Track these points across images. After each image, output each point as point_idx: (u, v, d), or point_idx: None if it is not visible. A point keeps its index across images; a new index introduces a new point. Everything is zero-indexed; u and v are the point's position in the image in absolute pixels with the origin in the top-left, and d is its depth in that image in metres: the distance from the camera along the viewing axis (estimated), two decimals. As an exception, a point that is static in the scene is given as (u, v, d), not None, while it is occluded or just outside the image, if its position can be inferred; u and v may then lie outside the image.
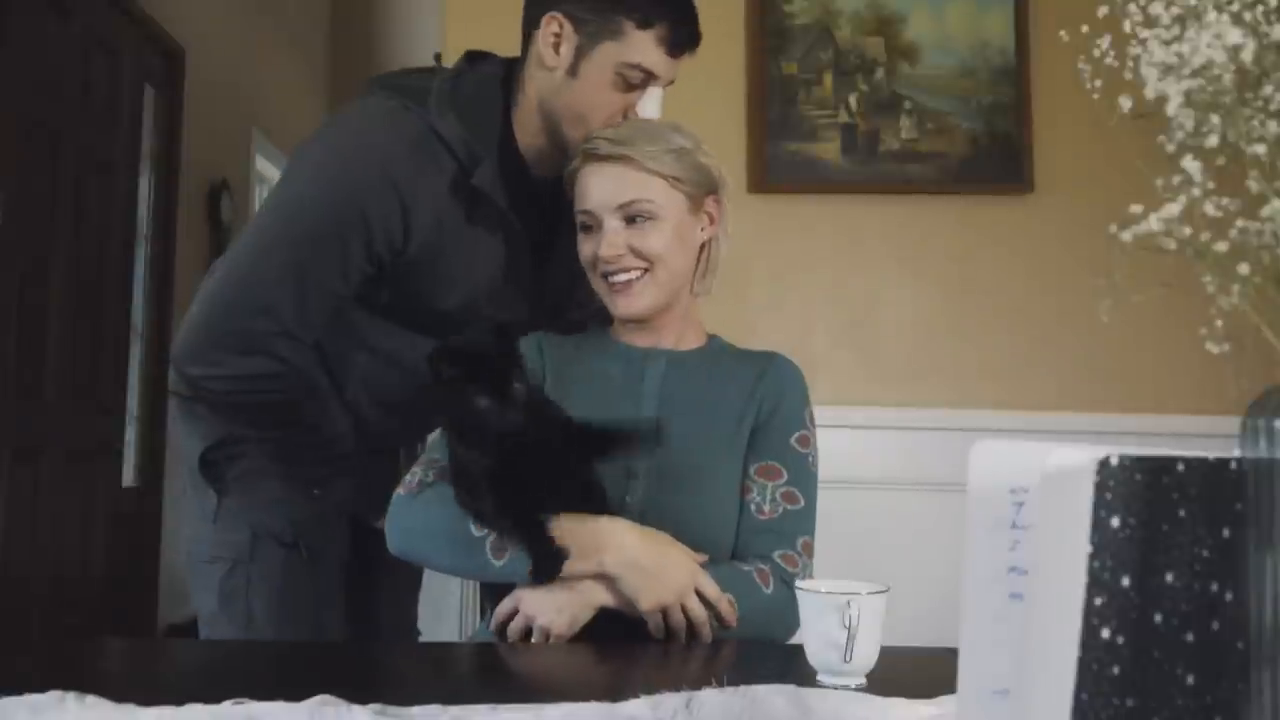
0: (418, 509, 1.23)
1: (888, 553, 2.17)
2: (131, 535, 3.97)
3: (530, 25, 1.40)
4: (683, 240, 1.35)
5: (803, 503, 1.31)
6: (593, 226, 1.34)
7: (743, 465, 1.33)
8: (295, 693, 0.81)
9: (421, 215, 1.37)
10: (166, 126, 4.33)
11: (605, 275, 1.34)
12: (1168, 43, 0.52)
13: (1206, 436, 2.09)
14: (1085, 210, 2.35)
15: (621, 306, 1.35)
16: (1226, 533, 0.46)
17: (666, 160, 1.32)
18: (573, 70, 1.37)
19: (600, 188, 1.33)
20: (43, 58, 3.31)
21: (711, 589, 1.20)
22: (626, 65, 1.36)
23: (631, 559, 1.18)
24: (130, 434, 4.09)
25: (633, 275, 1.33)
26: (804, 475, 1.34)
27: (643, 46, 1.36)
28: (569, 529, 1.19)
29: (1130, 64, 0.53)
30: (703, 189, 1.36)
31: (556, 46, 1.37)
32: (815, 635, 0.97)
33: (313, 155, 1.42)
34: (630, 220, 1.32)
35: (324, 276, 1.37)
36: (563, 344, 1.41)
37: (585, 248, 1.35)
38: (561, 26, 1.36)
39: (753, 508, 1.30)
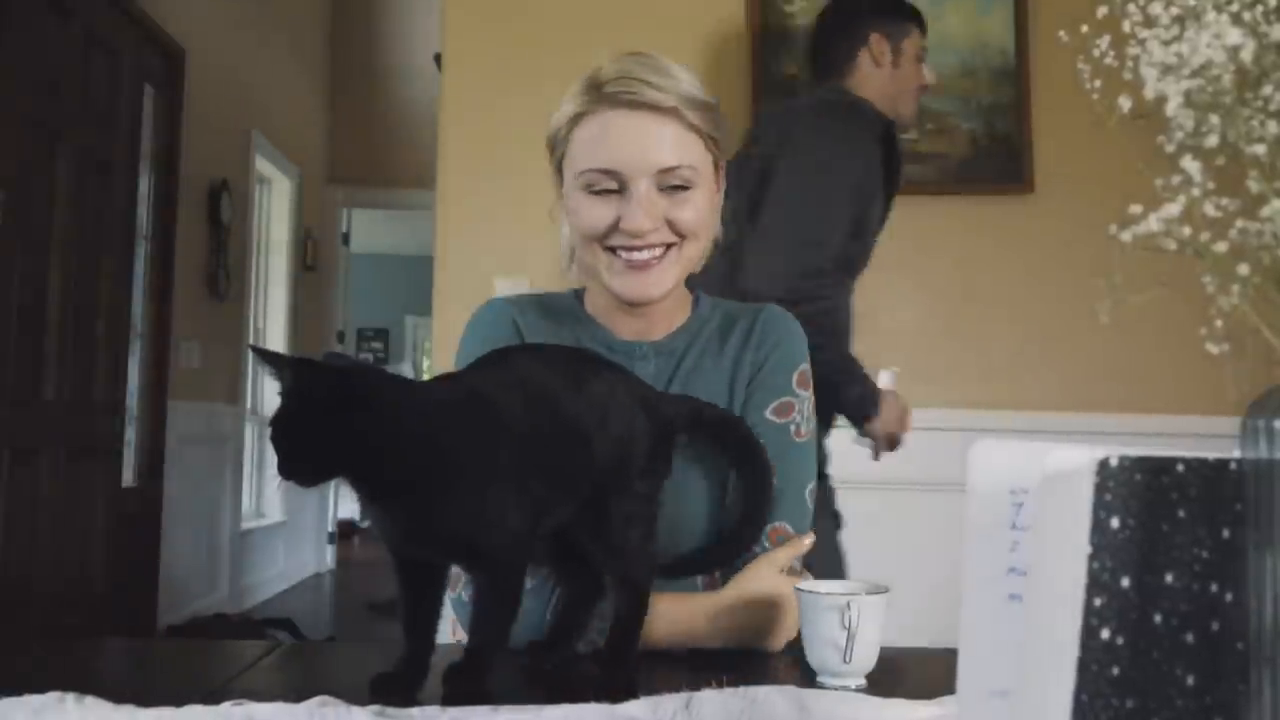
0: None
1: (888, 553, 2.16)
2: (131, 535, 3.97)
3: (857, 44, 2.05)
4: (712, 212, 1.16)
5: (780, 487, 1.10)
6: (614, 189, 1.10)
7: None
8: (295, 693, 0.81)
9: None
10: (166, 126, 4.33)
11: (618, 249, 1.12)
12: (1167, 43, 0.51)
13: (1206, 436, 2.09)
14: (1085, 210, 2.35)
15: (636, 290, 1.12)
16: (1226, 533, 0.46)
17: (707, 117, 1.11)
18: (895, 64, 2.05)
19: (633, 142, 1.08)
20: (43, 58, 3.31)
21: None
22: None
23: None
24: (130, 434, 4.09)
25: (657, 252, 1.11)
26: (783, 450, 1.13)
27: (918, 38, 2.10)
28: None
29: (1129, 64, 0.53)
30: (725, 153, 1.17)
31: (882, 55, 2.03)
32: (815, 636, 0.97)
33: (840, 141, 1.96)
34: (670, 187, 1.10)
35: (860, 228, 1.97)
36: (536, 319, 1.19)
37: (594, 212, 1.11)
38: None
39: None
